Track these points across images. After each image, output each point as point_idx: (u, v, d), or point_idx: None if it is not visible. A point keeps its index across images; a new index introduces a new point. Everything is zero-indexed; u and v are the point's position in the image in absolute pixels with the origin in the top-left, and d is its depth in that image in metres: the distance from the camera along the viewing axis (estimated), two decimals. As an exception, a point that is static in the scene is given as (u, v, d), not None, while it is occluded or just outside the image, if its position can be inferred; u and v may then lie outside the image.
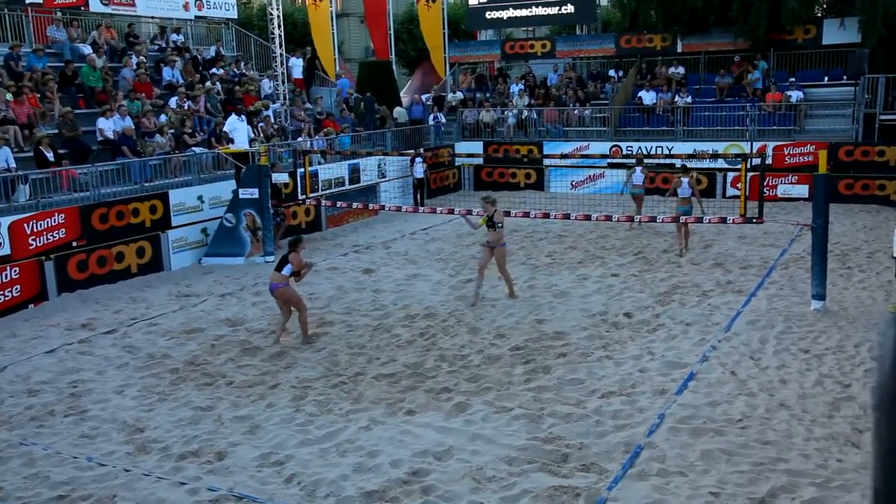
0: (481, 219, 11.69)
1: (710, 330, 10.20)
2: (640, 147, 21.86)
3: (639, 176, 16.65)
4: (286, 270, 9.91)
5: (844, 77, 22.53)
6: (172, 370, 9.37)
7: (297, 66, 22.51)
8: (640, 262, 14.21)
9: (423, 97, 25.73)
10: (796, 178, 20.03)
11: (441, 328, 10.62)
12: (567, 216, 12.27)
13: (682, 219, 13.10)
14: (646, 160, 16.63)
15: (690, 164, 19.84)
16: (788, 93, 21.78)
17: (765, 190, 14.26)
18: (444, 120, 24.68)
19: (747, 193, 11.15)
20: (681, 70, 24.31)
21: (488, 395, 8.25)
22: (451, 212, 13.63)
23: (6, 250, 12.13)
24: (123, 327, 11.18)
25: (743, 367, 8.85)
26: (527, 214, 12.71)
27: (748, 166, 11.22)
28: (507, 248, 11.93)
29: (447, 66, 28.25)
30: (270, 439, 7.39)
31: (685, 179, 14.70)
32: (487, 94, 26.46)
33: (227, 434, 7.53)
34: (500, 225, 11.48)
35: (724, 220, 11.44)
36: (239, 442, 7.35)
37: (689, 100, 22.94)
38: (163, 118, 16.88)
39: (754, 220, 10.81)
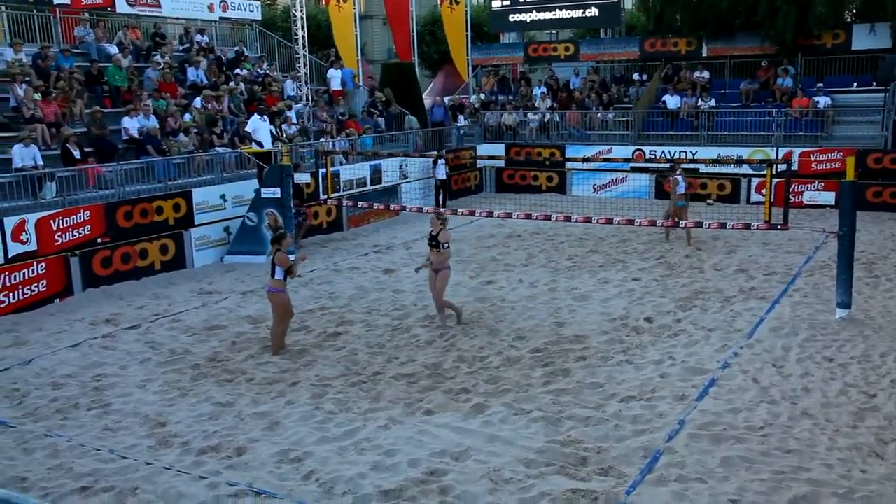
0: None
1: (733, 336, 10.12)
2: (663, 151, 21.70)
3: (682, 186, 15.64)
4: (278, 274, 9.58)
5: (874, 83, 22.23)
6: (194, 366, 9.47)
7: (335, 77, 22.50)
8: (662, 266, 14.14)
9: (446, 99, 25.75)
10: (823, 184, 19.77)
11: (460, 329, 10.64)
12: (589, 219, 12.17)
13: (683, 223, 12.97)
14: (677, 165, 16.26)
15: (714, 170, 19.97)
16: (816, 98, 21.52)
17: (790, 196, 14.07)
18: (462, 122, 24.79)
19: (772, 199, 11.01)
20: (706, 74, 24.09)
21: (507, 396, 8.24)
22: (473, 213, 13.66)
23: (33, 246, 12.34)
24: (146, 323, 11.33)
25: (765, 374, 8.77)
26: (548, 217, 12.59)
27: (773, 172, 11.09)
28: (451, 272, 10.88)
29: (470, 68, 28.28)
30: (289, 436, 7.45)
31: (680, 177, 15.02)
32: (510, 97, 26.43)
33: (246, 430, 7.61)
34: (445, 246, 10.49)
35: (748, 226, 11.33)
36: (258, 438, 7.42)
37: (712, 103, 22.76)
38: (187, 117, 17.04)
39: (779, 227, 10.69)
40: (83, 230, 13.09)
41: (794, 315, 11.00)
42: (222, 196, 15.69)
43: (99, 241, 13.32)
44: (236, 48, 22.10)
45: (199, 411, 8.10)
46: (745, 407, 7.87)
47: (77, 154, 14.15)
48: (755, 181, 20.33)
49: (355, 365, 9.38)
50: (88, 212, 13.21)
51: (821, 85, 22.07)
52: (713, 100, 22.99)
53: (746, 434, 7.26)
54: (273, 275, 9.65)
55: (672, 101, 23.22)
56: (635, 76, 25.71)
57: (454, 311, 10.88)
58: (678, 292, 12.31)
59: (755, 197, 20.09)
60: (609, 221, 12.22)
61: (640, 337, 10.20)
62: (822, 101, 21.45)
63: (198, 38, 21.35)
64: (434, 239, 10.50)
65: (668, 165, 15.51)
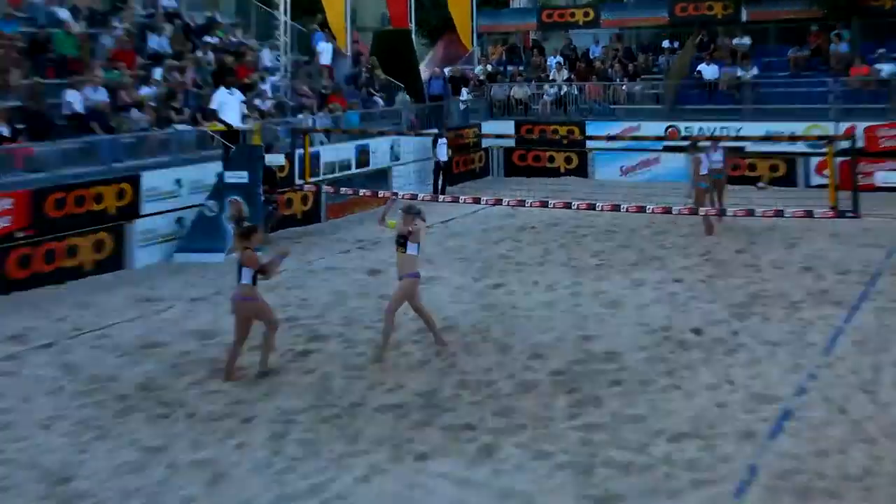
0: (390, 221, 10.05)
1: (805, 353, 9.47)
2: (700, 128, 21.57)
3: (705, 165, 15.40)
4: (245, 277, 8.89)
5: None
6: (119, 397, 8.70)
7: (326, 50, 22.38)
8: (709, 264, 13.64)
9: (445, 70, 25.93)
10: (896, 163, 19.63)
11: (462, 345, 10.04)
12: (617, 208, 12.27)
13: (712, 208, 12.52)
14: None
15: (764, 148, 20.01)
16: (878, 66, 21.38)
17: (859, 178, 13.87)
18: (465, 96, 25.00)
19: (837, 182, 10.43)
20: (746, 41, 24.13)
21: (523, 434, 7.57)
22: (477, 201, 13.04)
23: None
24: (64, 339, 10.64)
25: (855, 403, 8.00)
26: (568, 205, 12.59)
27: (835, 150, 10.47)
28: (421, 279, 10.03)
29: (475, 36, 28.29)
30: (237, 493, 6.63)
31: (703, 155, 15.24)
32: (520, 68, 26.65)
33: (180, 485, 6.77)
34: (415, 245, 9.67)
35: (810, 214, 10.77)
36: (195, 496, 6.57)
37: (755, 72, 22.81)
38: (144, 90, 16.80)
39: (849, 214, 10.31)
40: (1, 222, 12.47)
41: (881, 324, 10.35)
42: (177, 181, 15.27)
43: (20, 234, 12.69)
44: (208, 13, 21.94)
45: (120, 460, 7.23)
46: (836, 448, 7.03)
47: (6, 132, 13.72)
48: (814, 161, 20.00)
49: (328, 393, 8.66)
50: (11, 199, 12.58)
51: (882, 50, 21.86)
52: (756, 69, 23.00)
53: (843, 486, 6.42)
54: (239, 279, 8.97)
55: (708, 72, 23.38)
56: (665, 44, 25.89)
57: (383, 340, 9.69)
58: (731, 296, 11.75)
59: (816, 179, 19.73)
60: (641, 210, 12.40)
61: (689, 354, 9.58)
62: (886, 68, 21.30)
63: (164, 1, 21.10)
64: (402, 238, 9.68)
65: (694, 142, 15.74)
